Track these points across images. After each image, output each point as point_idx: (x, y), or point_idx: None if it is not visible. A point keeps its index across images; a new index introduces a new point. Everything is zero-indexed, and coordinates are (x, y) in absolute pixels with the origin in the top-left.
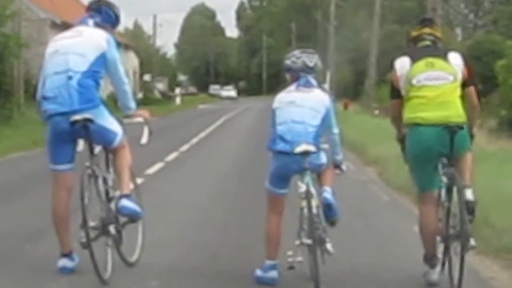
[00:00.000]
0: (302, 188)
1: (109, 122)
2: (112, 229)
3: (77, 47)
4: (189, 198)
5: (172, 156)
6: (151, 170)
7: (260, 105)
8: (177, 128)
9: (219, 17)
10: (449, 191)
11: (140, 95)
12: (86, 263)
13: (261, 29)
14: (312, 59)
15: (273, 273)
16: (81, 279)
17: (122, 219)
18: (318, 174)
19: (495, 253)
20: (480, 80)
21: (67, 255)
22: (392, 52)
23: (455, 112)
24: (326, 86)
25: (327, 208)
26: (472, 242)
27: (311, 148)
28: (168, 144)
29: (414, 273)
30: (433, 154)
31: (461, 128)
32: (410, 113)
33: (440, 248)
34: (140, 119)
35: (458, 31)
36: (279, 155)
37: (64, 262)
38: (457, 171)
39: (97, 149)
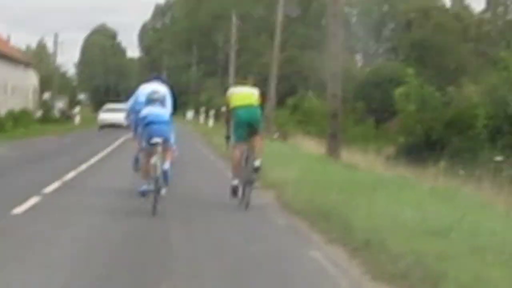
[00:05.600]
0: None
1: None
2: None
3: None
4: (86, 216)
5: (70, 175)
6: (49, 189)
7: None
8: (76, 147)
9: (120, 38)
10: (247, 158)
11: (39, 114)
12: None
13: (162, 50)
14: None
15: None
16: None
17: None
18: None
19: (391, 278)
20: (378, 107)
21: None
22: (292, 76)
23: (255, 102)
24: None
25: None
26: (256, 184)
27: (160, 141)
28: (67, 163)
29: None
30: (244, 123)
31: (258, 108)
32: (233, 104)
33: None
34: None
35: (359, 57)
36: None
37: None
38: (251, 146)
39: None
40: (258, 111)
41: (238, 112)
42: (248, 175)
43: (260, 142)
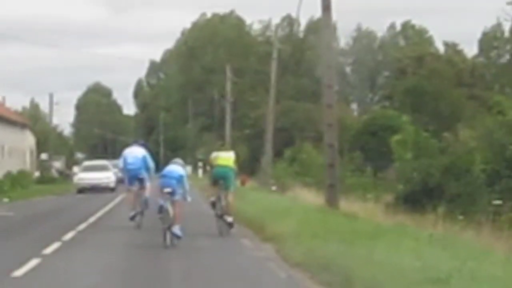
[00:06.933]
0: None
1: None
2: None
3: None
4: (86, 279)
5: (69, 235)
6: (48, 250)
7: (157, 182)
8: (75, 206)
9: (116, 95)
10: (219, 199)
11: (36, 174)
12: None
13: (158, 106)
14: (178, 160)
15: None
16: None
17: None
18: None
19: None
20: (375, 155)
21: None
22: (289, 127)
23: (231, 164)
24: None
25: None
26: (229, 219)
27: (169, 190)
28: (66, 223)
29: None
30: (219, 176)
31: (231, 169)
32: (215, 163)
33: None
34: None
35: (354, 106)
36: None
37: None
38: (225, 198)
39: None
40: (232, 171)
41: (217, 169)
42: (222, 212)
43: (232, 199)
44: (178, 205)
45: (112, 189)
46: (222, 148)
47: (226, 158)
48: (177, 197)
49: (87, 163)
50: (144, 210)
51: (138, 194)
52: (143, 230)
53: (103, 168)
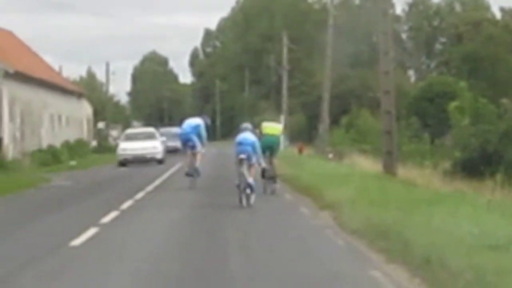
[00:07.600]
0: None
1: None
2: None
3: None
4: (144, 248)
5: (127, 204)
6: (106, 219)
7: (214, 151)
8: (132, 175)
9: (172, 64)
10: (270, 164)
11: (94, 143)
12: None
13: (214, 75)
14: (248, 126)
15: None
16: None
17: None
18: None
19: None
20: (433, 122)
21: None
22: (345, 95)
23: (278, 133)
24: None
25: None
26: (277, 181)
27: (244, 156)
28: (123, 192)
29: None
30: (267, 147)
31: (277, 137)
32: (264, 132)
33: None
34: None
35: (411, 72)
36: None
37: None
38: (272, 159)
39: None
40: (277, 139)
41: (266, 138)
42: (271, 174)
43: (276, 160)
44: (253, 167)
45: (159, 161)
46: (272, 120)
47: (274, 127)
48: (253, 161)
49: (130, 130)
50: (196, 177)
51: (191, 158)
52: (198, 199)
53: (149, 136)
